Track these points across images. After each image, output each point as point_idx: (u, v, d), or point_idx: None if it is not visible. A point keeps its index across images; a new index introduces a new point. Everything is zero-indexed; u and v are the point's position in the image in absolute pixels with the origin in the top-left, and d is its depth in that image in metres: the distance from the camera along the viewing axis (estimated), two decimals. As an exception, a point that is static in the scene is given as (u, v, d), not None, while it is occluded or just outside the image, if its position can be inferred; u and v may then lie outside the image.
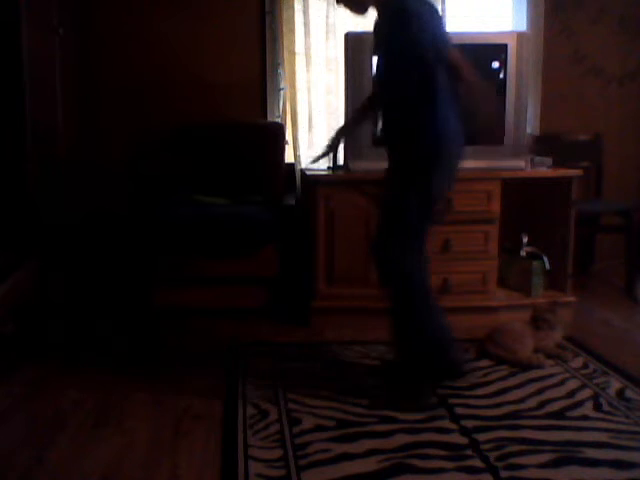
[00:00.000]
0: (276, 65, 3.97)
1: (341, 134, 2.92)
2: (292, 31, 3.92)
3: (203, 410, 2.42)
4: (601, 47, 4.20)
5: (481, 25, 4.11)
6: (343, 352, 2.98)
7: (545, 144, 4.02)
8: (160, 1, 3.86)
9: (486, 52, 3.41)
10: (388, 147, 2.55)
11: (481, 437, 2.20)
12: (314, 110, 4.01)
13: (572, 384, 2.63)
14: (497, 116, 3.41)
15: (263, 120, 3.98)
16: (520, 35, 3.45)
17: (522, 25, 4.09)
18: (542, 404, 2.45)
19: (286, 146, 3.87)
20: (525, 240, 3.59)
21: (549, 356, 2.86)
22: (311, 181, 3.47)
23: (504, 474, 1.98)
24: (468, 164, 3.40)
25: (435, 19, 2.46)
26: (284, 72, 3.96)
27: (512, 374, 2.72)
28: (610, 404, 2.45)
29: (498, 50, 3.38)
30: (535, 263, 3.51)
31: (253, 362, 2.87)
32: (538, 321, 2.91)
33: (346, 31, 3.32)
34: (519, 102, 3.43)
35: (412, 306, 2.53)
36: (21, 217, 3.14)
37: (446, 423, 2.31)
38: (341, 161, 3.43)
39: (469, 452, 2.11)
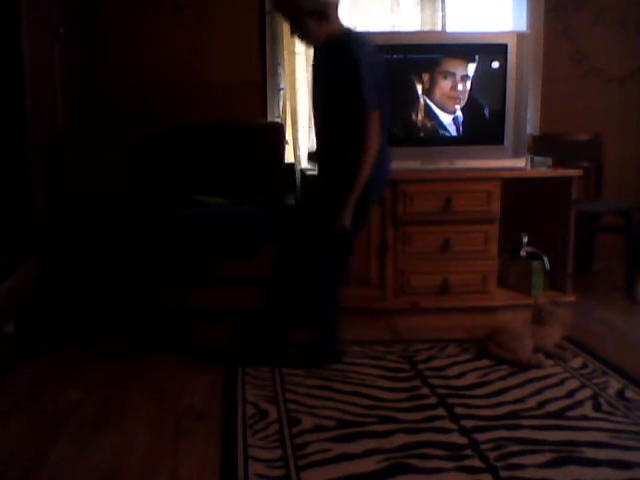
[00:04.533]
0: (276, 65, 3.96)
1: None
2: (292, 31, 3.91)
3: (203, 410, 2.43)
4: (601, 47, 4.20)
5: (481, 25, 4.10)
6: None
7: (545, 144, 4.03)
8: (160, 1, 3.86)
9: (486, 52, 3.42)
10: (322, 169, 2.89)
11: (481, 437, 2.20)
12: (314, 110, 4.01)
13: (572, 384, 2.63)
14: (498, 117, 3.44)
15: (263, 120, 3.98)
16: (520, 35, 3.45)
17: (522, 25, 4.08)
18: (542, 404, 2.45)
19: (286, 146, 3.87)
20: (525, 240, 3.59)
21: (549, 356, 2.86)
22: (311, 181, 3.48)
23: (504, 474, 1.98)
24: (468, 164, 3.43)
25: (373, 71, 2.63)
26: (284, 72, 3.96)
27: (512, 374, 2.72)
28: (610, 404, 2.45)
29: (498, 50, 3.38)
30: (535, 263, 3.52)
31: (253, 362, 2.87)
32: (541, 314, 2.92)
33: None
34: (519, 102, 3.44)
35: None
36: (22, 216, 3.14)
37: (446, 423, 2.31)
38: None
39: (469, 452, 2.11)
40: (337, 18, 2.73)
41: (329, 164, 2.82)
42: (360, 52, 2.61)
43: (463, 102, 3.44)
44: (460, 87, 3.43)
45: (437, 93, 3.43)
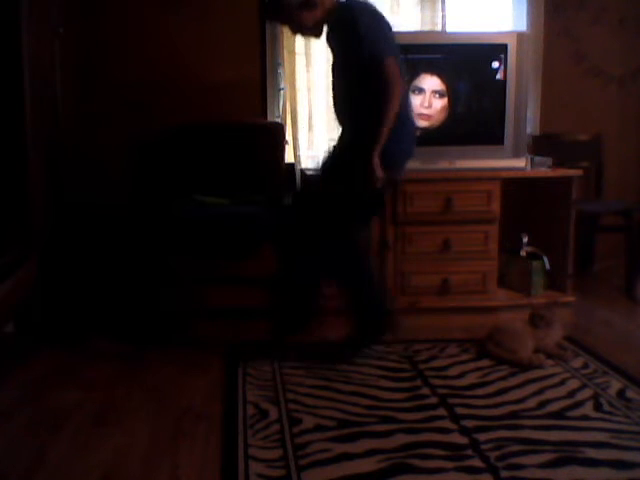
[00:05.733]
0: (276, 65, 3.96)
1: None
2: (292, 31, 3.91)
3: (203, 410, 2.43)
4: (601, 47, 4.20)
5: (481, 25, 4.10)
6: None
7: (545, 144, 4.03)
8: (160, 1, 3.85)
9: (486, 52, 3.42)
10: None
11: (481, 437, 2.20)
12: (314, 110, 4.02)
13: (572, 384, 2.63)
14: (498, 117, 3.44)
15: (263, 120, 3.98)
16: (520, 35, 3.46)
17: (522, 25, 4.09)
18: (542, 404, 2.45)
19: (286, 146, 3.87)
20: (525, 240, 3.59)
21: (549, 356, 2.86)
22: (311, 181, 3.47)
23: (504, 474, 1.98)
24: (468, 164, 3.43)
25: (380, 26, 2.64)
26: (284, 72, 3.96)
27: (512, 374, 2.72)
28: (610, 404, 2.44)
29: (498, 50, 3.39)
30: (535, 263, 3.52)
31: (253, 362, 2.87)
32: (535, 319, 2.91)
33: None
34: (519, 102, 3.44)
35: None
36: (22, 216, 3.14)
37: (446, 423, 2.31)
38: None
39: (469, 452, 2.11)
40: None
41: (353, 139, 2.76)
42: (357, 13, 2.60)
43: (460, 103, 3.44)
44: (430, 105, 3.42)
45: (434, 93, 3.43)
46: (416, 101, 3.39)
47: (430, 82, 3.40)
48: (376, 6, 2.70)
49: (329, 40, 2.80)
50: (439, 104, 3.41)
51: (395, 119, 2.56)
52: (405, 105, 2.69)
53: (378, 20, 2.66)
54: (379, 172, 2.58)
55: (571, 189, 3.44)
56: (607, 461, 2.04)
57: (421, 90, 3.40)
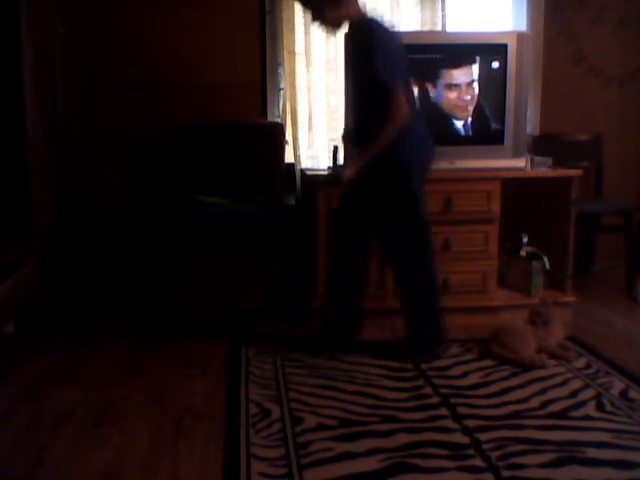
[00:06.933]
0: (276, 65, 3.96)
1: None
2: (292, 31, 3.91)
3: (204, 410, 2.42)
4: (601, 47, 4.20)
5: (481, 25, 4.11)
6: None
7: (545, 144, 4.03)
8: (160, 1, 3.85)
9: (486, 52, 3.41)
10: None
11: (483, 437, 2.19)
12: (314, 110, 4.01)
13: (575, 384, 2.62)
14: (498, 117, 3.43)
15: (263, 120, 3.97)
16: (520, 35, 3.45)
17: (522, 25, 4.09)
18: (544, 404, 2.45)
19: (286, 146, 3.87)
20: (525, 240, 3.59)
21: (552, 356, 2.86)
22: (311, 181, 3.47)
23: (505, 474, 1.97)
24: (468, 164, 3.43)
25: (393, 51, 2.70)
26: (284, 72, 3.96)
27: (514, 374, 2.72)
28: (613, 404, 2.44)
29: (498, 50, 3.38)
30: (535, 263, 3.51)
31: (254, 362, 2.86)
32: (532, 316, 2.91)
33: (346, 31, 3.32)
34: (519, 102, 3.43)
35: None
36: (22, 216, 3.13)
37: (448, 422, 2.31)
38: (341, 161, 3.43)
39: (471, 452, 2.10)
40: (355, 4, 2.78)
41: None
42: (376, 32, 2.67)
43: (472, 108, 3.44)
44: (468, 97, 3.42)
45: (445, 100, 3.43)
46: (453, 96, 3.41)
47: (463, 75, 3.40)
48: (393, 31, 2.78)
49: (347, 47, 2.89)
50: (474, 92, 3.42)
51: (387, 140, 2.68)
52: (414, 118, 2.75)
53: (392, 44, 2.72)
54: (346, 173, 2.74)
55: (571, 189, 3.44)
56: (609, 461, 2.04)
57: (457, 85, 3.41)
